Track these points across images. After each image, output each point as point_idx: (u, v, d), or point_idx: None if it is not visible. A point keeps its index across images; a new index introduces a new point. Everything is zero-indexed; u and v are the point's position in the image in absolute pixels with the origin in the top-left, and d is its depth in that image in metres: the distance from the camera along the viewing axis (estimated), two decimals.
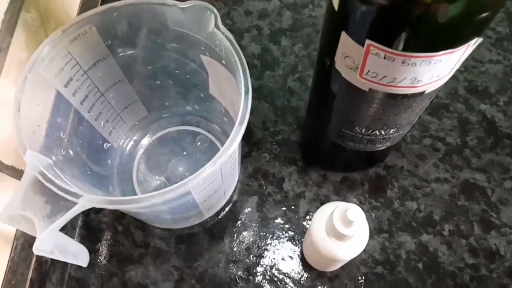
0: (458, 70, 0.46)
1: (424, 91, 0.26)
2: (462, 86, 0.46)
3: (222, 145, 0.32)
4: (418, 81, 0.24)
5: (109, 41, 0.34)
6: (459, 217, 0.40)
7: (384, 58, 0.23)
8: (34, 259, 0.35)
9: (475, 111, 0.45)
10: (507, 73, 0.46)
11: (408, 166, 0.42)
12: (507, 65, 0.47)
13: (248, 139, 0.44)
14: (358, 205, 0.40)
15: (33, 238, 0.35)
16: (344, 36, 0.24)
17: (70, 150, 0.34)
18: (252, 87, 0.46)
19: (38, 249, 0.26)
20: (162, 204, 0.30)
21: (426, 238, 0.39)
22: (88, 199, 0.25)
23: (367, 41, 0.23)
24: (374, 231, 0.40)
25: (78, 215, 0.41)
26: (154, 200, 0.25)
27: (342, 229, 0.27)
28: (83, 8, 0.44)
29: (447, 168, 0.42)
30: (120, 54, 0.35)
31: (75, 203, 0.26)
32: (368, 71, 0.25)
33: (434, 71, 0.24)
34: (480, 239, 0.39)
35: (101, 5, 0.43)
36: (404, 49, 0.22)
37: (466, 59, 0.47)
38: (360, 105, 0.29)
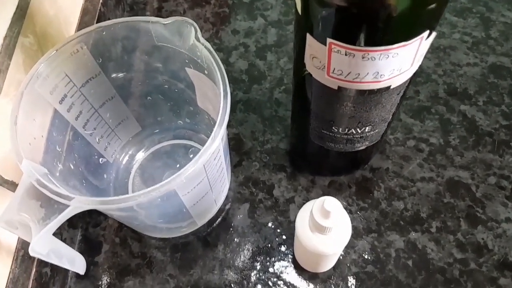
0: (438, 74, 0.48)
1: (390, 86, 0.28)
2: (442, 89, 0.48)
3: (223, 156, 0.34)
4: (381, 75, 0.26)
5: (100, 59, 0.36)
6: (445, 214, 0.41)
7: (346, 54, 0.25)
8: (34, 271, 0.37)
9: (455, 112, 0.46)
10: (484, 75, 0.48)
11: (393, 168, 0.44)
12: (484, 67, 0.49)
13: (238, 149, 0.46)
14: (346, 207, 0.42)
15: None
16: (309, 37, 0.26)
17: (67, 164, 0.36)
18: (240, 100, 0.49)
19: (34, 250, 0.27)
20: (151, 207, 0.32)
21: (415, 235, 0.40)
22: (79, 200, 0.27)
23: (328, 40, 0.25)
24: (363, 231, 0.41)
25: (77, 229, 0.43)
26: (140, 198, 0.27)
27: (322, 221, 0.29)
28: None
29: (432, 168, 0.43)
30: (112, 72, 0.38)
31: (67, 206, 0.27)
32: (334, 69, 0.27)
33: (394, 64, 0.26)
34: (467, 234, 0.40)
35: None
36: (362, 45, 0.24)
37: (445, 64, 0.49)
38: (332, 104, 0.30)
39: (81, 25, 0.48)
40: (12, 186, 0.36)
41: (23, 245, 0.37)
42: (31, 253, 0.27)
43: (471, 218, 0.41)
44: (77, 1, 0.49)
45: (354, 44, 0.24)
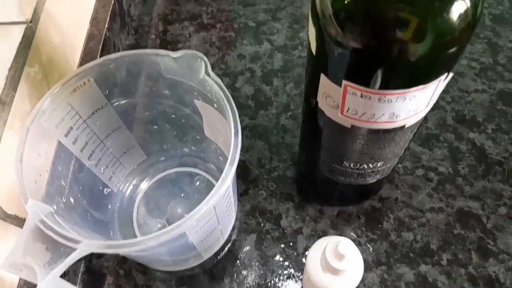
0: (446, 101, 0.48)
1: (405, 125, 0.27)
2: (450, 116, 0.47)
3: (232, 190, 0.33)
4: (397, 116, 0.26)
5: (107, 90, 0.36)
6: (456, 245, 0.40)
7: (361, 96, 0.24)
8: None
9: (464, 139, 0.46)
10: (493, 101, 0.48)
11: (402, 197, 0.43)
12: (493, 94, 0.48)
13: (244, 177, 0.45)
14: (355, 238, 0.41)
15: (36, 286, 0.36)
16: (323, 77, 0.26)
17: (71, 198, 0.35)
18: (247, 126, 0.48)
19: None
20: (158, 246, 0.31)
21: (425, 268, 0.39)
22: (87, 244, 0.26)
23: (344, 82, 0.24)
24: (373, 264, 0.40)
25: (80, 261, 0.42)
26: (149, 243, 0.26)
27: (335, 264, 0.28)
28: (84, 60, 0.47)
29: (441, 198, 0.43)
30: (118, 103, 0.37)
31: (75, 249, 0.26)
32: (348, 109, 0.26)
33: (410, 106, 0.25)
34: (479, 267, 0.39)
35: (100, 57, 0.46)
36: (379, 88, 0.24)
37: (453, 90, 0.49)
38: (345, 141, 0.30)
39: (86, 50, 0.48)
40: (15, 220, 0.35)
41: (26, 281, 0.36)
42: None
43: (482, 250, 0.40)
44: (83, 27, 0.48)
45: (371, 87, 0.24)
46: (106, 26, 0.50)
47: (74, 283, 0.41)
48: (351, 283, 0.30)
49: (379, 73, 0.23)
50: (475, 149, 0.45)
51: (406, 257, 0.40)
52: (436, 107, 0.48)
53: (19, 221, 0.36)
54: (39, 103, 0.32)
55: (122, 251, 0.26)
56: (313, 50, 0.26)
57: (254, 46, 0.54)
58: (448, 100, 0.48)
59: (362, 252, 0.40)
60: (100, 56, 0.47)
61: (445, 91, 0.49)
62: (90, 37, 0.49)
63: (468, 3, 0.21)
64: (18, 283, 0.36)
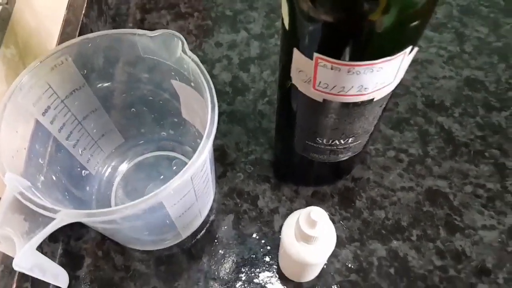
0: (416, 87, 0.50)
1: (373, 99, 0.29)
2: (420, 101, 0.49)
3: (210, 167, 0.34)
4: (365, 88, 0.27)
5: (85, 71, 0.36)
6: (425, 222, 0.42)
7: (331, 69, 0.26)
8: (15, 286, 0.36)
9: (433, 123, 0.48)
10: (460, 87, 0.50)
11: (374, 178, 0.45)
12: (460, 80, 0.50)
13: (222, 161, 0.46)
14: (330, 216, 0.42)
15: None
16: (296, 52, 0.27)
17: (51, 175, 0.35)
18: (224, 112, 0.49)
19: (18, 265, 0.27)
20: (137, 218, 0.32)
21: (396, 244, 0.41)
22: (66, 213, 0.27)
23: (315, 55, 0.25)
24: (346, 240, 0.41)
25: (58, 243, 0.42)
26: (127, 211, 0.27)
27: (308, 231, 0.29)
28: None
29: (411, 177, 0.45)
30: (96, 84, 0.38)
31: (53, 219, 0.27)
32: (320, 82, 0.27)
33: (378, 78, 0.27)
34: (446, 241, 0.41)
35: None
36: (347, 60, 0.25)
37: (422, 77, 0.51)
38: (317, 116, 0.31)
39: (63, 35, 0.48)
40: None
41: (3, 260, 0.36)
42: (15, 268, 0.26)
43: (449, 226, 0.42)
44: (59, 12, 0.48)
45: (340, 59, 0.25)
46: (83, 12, 0.50)
47: None
48: (324, 252, 0.31)
49: (348, 46, 0.24)
50: (443, 132, 0.47)
51: (378, 234, 0.42)
52: (406, 92, 0.50)
53: None
54: (16, 80, 0.32)
55: (100, 219, 0.27)
56: (286, 26, 0.27)
57: (231, 34, 0.55)
58: (418, 86, 0.50)
59: (336, 230, 0.41)
60: None
61: (415, 78, 0.51)
62: (67, 23, 0.49)
63: None
64: None
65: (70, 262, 0.41)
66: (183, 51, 0.33)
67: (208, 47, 0.54)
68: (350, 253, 0.41)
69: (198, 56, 0.53)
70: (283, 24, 0.28)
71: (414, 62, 0.52)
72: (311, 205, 0.43)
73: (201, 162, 0.29)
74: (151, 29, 0.33)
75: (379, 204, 0.43)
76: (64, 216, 0.27)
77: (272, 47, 0.54)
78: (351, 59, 0.25)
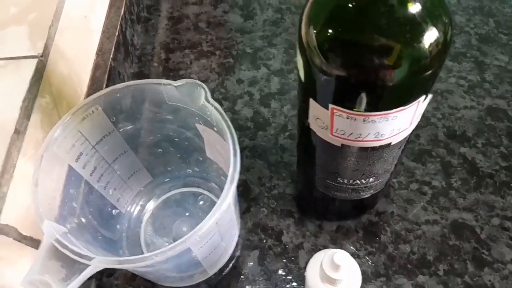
0: (437, 118, 0.50)
1: (390, 143, 0.30)
2: (441, 132, 0.49)
3: (234, 207, 0.35)
4: (382, 135, 0.28)
5: (114, 118, 0.38)
6: (452, 256, 0.42)
7: (347, 118, 0.27)
8: None
9: (456, 154, 0.48)
10: (481, 117, 0.50)
11: (398, 211, 0.45)
12: (481, 110, 0.50)
13: (246, 196, 0.47)
14: (355, 252, 0.43)
15: None
16: (312, 102, 0.28)
17: (82, 218, 0.37)
18: (247, 147, 0.51)
19: None
20: (165, 262, 0.33)
21: (423, 279, 0.41)
22: (99, 260, 0.28)
23: (330, 106, 0.27)
24: (372, 276, 0.41)
25: (91, 279, 0.44)
26: (157, 258, 0.28)
27: (332, 274, 0.30)
28: (91, 89, 0.49)
29: (436, 210, 0.44)
30: (124, 128, 0.40)
31: (88, 265, 0.28)
32: (337, 129, 0.28)
33: (393, 125, 0.27)
34: (474, 276, 0.41)
35: (106, 86, 0.49)
36: (362, 110, 0.26)
37: (443, 107, 0.51)
38: (337, 159, 0.32)
39: (93, 80, 0.50)
40: (30, 241, 0.37)
41: None
42: None
43: (477, 260, 0.41)
44: (89, 58, 0.51)
45: (355, 110, 0.26)
46: (111, 56, 0.53)
47: None
48: None
49: (362, 97, 0.25)
50: (467, 163, 0.47)
51: (404, 269, 0.41)
52: (427, 123, 0.50)
53: (33, 242, 0.38)
54: (51, 131, 0.34)
55: (131, 267, 0.28)
56: (302, 77, 0.28)
57: (251, 71, 0.57)
58: (439, 117, 0.50)
59: (361, 265, 0.41)
60: (107, 85, 0.50)
61: (435, 108, 0.51)
62: (96, 67, 0.51)
63: (438, 33, 0.23)
64: None
65: None
66: (206, 99, 0.34)
67: (230, 84, 0.56)
68: None
69: (220, 93, 0.55)
70: (298, 75, 0.29)
71: (434, 93, 0.52)
72: (335, 241, 0.44)
73: (225, 207, 0.30)
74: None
75: (403, 238, 0.43)
76: (98, 263, 0.28)
77: (292, 82, 0.55)
78: (365, 110, 0.26)
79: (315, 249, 0.43)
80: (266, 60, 0.57)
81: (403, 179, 0.46)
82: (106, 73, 0.52)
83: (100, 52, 0.53)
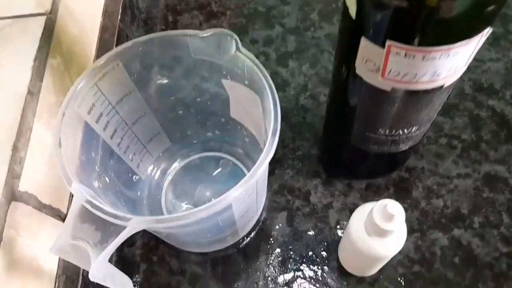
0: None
1: (443, 85, 0.28)
2: (468, 85, 0.48)
3: (245, 167, 0.33)
4: (438, 74, 0.26)
5: (135, 75, 0.36)
6: (486, 208, 0.41)
7: (405, 56, 0.25)
8: None
9: (484, 107, 0.46)
10: (508, 69, 0.48)
11: (428, 166, 0.43)
12: (508, 61, 0.49)
13: None
14: None
15: (75, 275, 0.36)
16: (364, 41, 0.26)
17: (105, 181, 0.35)
18: None
19: (95, 276, 0.26)
20: (205, 220, 0.31)
21: (458, 232, 0.40)
22: (137, 221, 0.26)
23: (388, 42, 0.24)
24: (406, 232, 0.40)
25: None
26: (201, 213, 0.26)
27: (385, 225, 0.28)
28: (100, 51, 0.46)
29: (467, 164, 0.43)
30: (144, 87, 0.37)
31: (124, 227, 0.27)
32: (390, 70, 0.26)
33: (452, 63, 0.25)
34: (510, 227, 0.40)
35: (116, 45, 0.46)
36: (423, 45, 0.24)
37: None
38: (383, 106, 0.30)
39: (101, 42, 0.47)
40: (49, 210, 0.35)
41: (64, 271, 0.36)
42: (92, 279, 0.26)
43: None
44: (96, 19, 0.48)
45: (416, 45, 0.24)
46: (119, 17, 0.50)
47: None
48: (398, 244, 0.30)
49: (424, 30, 0.23)
50: (496, 115, 0.46)
51: (438, 223, 0.40)
52: None
53: (53, 211, 0.36)
54: (72, 88, 0.32)
55: (172, 225, 0.26)
56: (352, 15, 0.26)
57: (265, 30, 0.54)
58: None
59: None
60: (116, 46, 0.47)
61: None
62: (104, 28, 0.48)
63: None
64: (56, 273, 0.36)
65: (125, 269, 0.41)
66: (238, 49, 0.32)
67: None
68: (411, 244, 0.40)
69: None
70: (345, 14, 0.27)
71: None
72: (366, 198, 0.42)
73: (269, 159, 0.28)
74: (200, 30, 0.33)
75: (436, 193, 0.42)
76: (136, 223, 0.26)
77: (309, 40, 0.53)
78: (427, 45, 0.24)
79: (346, 208, 0.42)
80: (280, 18, 0.55)
81: (431, 134, 0.45)
82: (115, 36, 0.49)
83: (107, 13, 0.50)
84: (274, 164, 0.45)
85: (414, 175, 0.43)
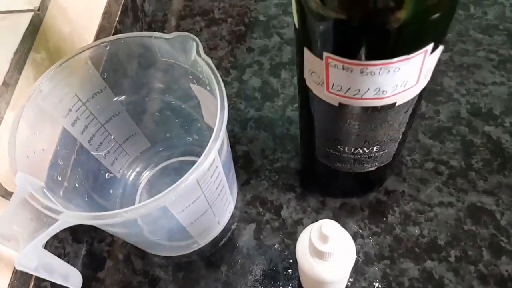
0: (460, 93, 0.46)
1: (395, 103, 0.26)
2: (464, 108, 0.45)
3: (224, 173, 0.32)
4: (383, 91, 0.25)
5: (105, 74, 0.36)
6: (466, 242, 0.38)
7: (343, 69, 0.24)
8: (32, 284, 0.36)
9: (479, 133, 0.43)
10: (511, 94, 0.45)
11: (409, 191, 0.41)
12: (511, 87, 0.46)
13: (247, 167, 0.45)
14: (358, 231, 0.40)
15: None
16: (306, 52, 0.25)
17: (73, 181, 0.35)
18: (252, 118, 0.48)
19: (21, 264, 0.26)
20: (145, 223, 0.31)
21: (431, 264, 0.37)
22: (68, 215, 0.26)
23: (325, 54, 0.23)
24: (375, 258, 0.38)
25: (82, 244, 0.42)
26: (127, 215, 0.26)
27: (320, 246, 0.27)
28: None
29: (452, 192, 0.40)
30: (117, 87, 0.38)
31: (56, 220, 0.27)
32: (333, 84, 0.25)
33: (396, 80, 0.24)
34: (490, 265, 0.37)
35: None
36: (360, 58, 0.23)
37: (468, 82, 0.46)
38: (335, 122, 0.29)
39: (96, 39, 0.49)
40: None
41: None
42: (18, 267, 0.27)
43: (494, 247, 0.37)
44: (94, 19, 0.50)
45: (351, 58, 0.23)
46: (117, 19, 0.51)
47: (75, 265, 0.41)
48: (341, 269, 0.28)
49: (358, 43, 0.22)
50: (491, 143, 0.43)
51: (411, 252, 0.38)
52: (449, 99, 0.46)
53: None
54: (36, 83, 0.32)
55: (101, 223, 0.26)
56: (296, 23, 0.25)
57: (263, 39, 0.54)
58: (463, 93, 0.46)
59: (364, 245, 0.38)
60: None
61: (460, 84, 0.47)
62: (101, 29, 0.50)
63: None
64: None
65: (92, 263, 0.42)
66: (198, 53, 0.32)
67: (240, 52, 0.53)
68: (378, 271, 0.37)
69: (229, 61, 0.53)
70: (294, 24, 0.26)
71: (459, 67, 0.48)
72: (338, 218, 0.41)
73: (207, 165, 0.27)
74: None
75: (413, 220, 0.39)
76: (67, 217, 0.26)
77: None
78: (363, 58, 0.22)
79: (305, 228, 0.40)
80: (279, 29, 0.54)
81: (417, 157, 0.43)
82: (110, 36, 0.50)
83: (107, 14, 0.51)
84: (250, 174, 0.44)
85: (393, 199, 0.41)
